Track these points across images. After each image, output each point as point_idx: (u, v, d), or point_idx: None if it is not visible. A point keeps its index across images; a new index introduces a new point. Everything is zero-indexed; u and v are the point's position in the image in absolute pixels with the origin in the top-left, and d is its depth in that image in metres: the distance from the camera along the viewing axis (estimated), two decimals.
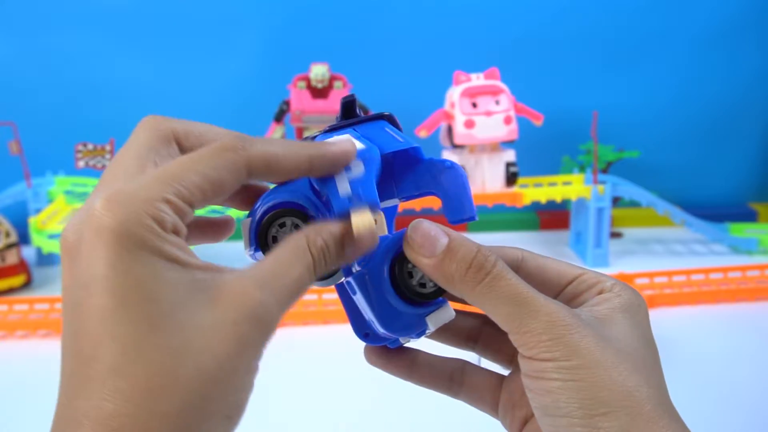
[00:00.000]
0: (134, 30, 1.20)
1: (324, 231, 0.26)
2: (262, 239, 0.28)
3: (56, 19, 1.19)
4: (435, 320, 0.30)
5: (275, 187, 0.29)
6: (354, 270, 0.30)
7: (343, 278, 0.30)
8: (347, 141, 0.28)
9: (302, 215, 0.28)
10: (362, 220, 0.27)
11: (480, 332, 0.33)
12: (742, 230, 1.13)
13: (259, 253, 0.28)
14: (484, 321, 0.33)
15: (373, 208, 0.27)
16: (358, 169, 0.28)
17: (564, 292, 0.30)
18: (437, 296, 0.29)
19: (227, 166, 0.24)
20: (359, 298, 0.31)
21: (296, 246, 0.25)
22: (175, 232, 0.22)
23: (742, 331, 0.80)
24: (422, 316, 0.29)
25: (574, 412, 0.25)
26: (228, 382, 0.21)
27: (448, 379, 0.32)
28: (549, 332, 0.25)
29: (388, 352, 0.32)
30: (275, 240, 0.28)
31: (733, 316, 0.84)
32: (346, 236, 0.26)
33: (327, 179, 0.28)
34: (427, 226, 0.28)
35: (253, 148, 0.25)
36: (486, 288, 0.27)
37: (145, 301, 0.21)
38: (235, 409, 0.22)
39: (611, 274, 0.31)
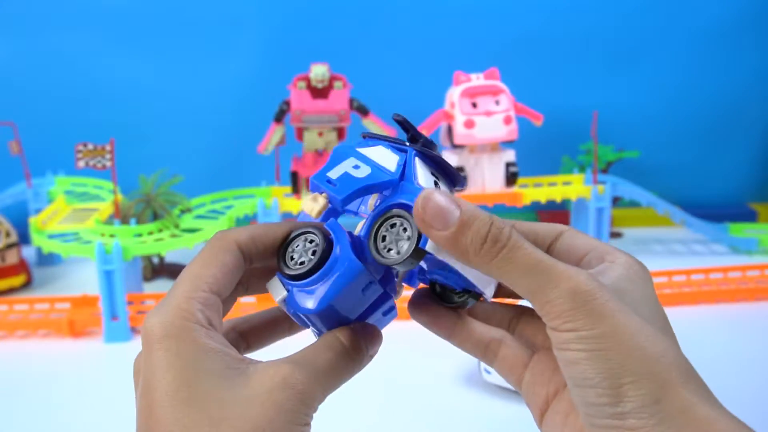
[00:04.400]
0: (134, 30, 1.20)
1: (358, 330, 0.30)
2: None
3: (56, 20, 1.19)
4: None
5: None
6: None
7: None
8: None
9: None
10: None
11: (518, 321, 0.33)
12: (742, 230, 1.13)
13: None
14: (521, 311, 0.33)
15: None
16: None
17: (579, 265, 0.30)
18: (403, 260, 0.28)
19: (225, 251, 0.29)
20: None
21: (328, 336, 0.29)
22: (211, 324, 0.27)
23: (742, 331, 0.80)
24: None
25: (602, 383, 0.24)
26: None
27: (485, 347, 0.32)
28: (570, 301, 0.25)
29: (435, 311, 0.32)
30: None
31: (733, 316, 0.84)
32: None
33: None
34: (438, 197, 0.27)
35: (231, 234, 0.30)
36: (502, 261, 0.26)
37: (184, 386, 0.25)
38: None
39: None
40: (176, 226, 0.93)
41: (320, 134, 1.00)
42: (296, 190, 1.02)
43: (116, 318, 0.82)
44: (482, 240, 0.26)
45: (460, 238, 0.26)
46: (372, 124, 1.02)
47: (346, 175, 0.29)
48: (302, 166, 1.01)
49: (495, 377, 0.65)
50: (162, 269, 1.05)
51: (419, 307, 0.32)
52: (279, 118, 1.01)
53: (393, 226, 0.28)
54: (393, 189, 0.29)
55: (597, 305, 0.25)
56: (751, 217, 1.25)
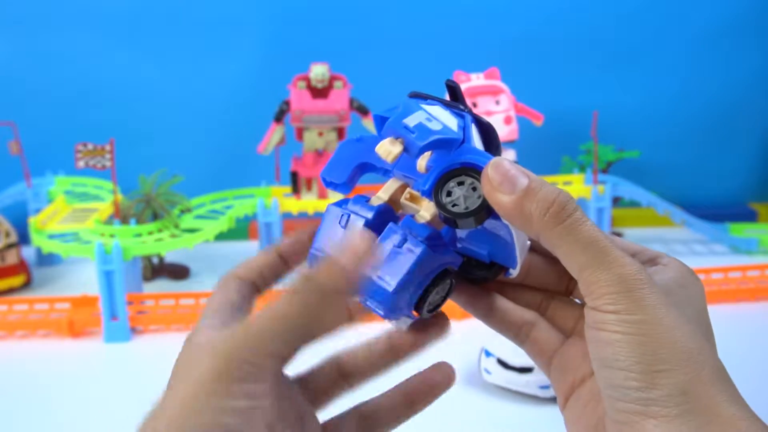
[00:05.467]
0: (134, 30, 1.20)
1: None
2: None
3: (56, 19, 1.19)
4: None
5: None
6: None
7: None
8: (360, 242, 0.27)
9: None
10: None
11: (548, 305, 0.33)
12: (742, 230, 1.13)
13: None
14: (551, 295, 0.34)
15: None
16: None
17: None
18: (468, 216, 0.29)
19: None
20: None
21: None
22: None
23: (742, 331, 0.80)
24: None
25: (633, 366, 0.25)
26: (196, 416, 0.24)
27: (518, 329, 0.33)
28: (618, 285, 0.25)
29: (472, 292, 0.33)
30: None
31: (733, 316, 0.84)
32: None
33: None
34: (508, 164, 0.27)
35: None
36: (565, 230, 0.26)
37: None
38: None
39: None
40: (176, 226, 0.93)
41: (320, 134, 1.00)
42: (296, 190, 1.02)
43: (116, 318, 0.82)
44: (549, 205, 0.26)
45: (525, 203, 0.27)
46: (372, 124, 1.02)
47: (422, 126, 0.30)
48: (302, 166, 1.01)
49: (495, 377, 0.65)
50: (162, 269, 1.05)
51: (462, 293, 0.33)
52: (279, 118, 1.01)
53: (461, 183, 0.29)
54: (455, 149, 0.30)
55: (642, 294, 0.25)
56: (751, 217, 1.25)
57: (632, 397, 0.25)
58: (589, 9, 1.24)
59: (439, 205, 0.29)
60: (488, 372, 0.66)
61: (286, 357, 0.26)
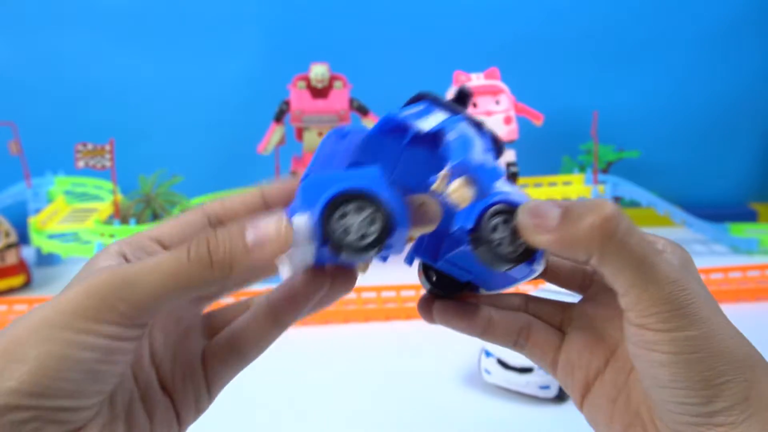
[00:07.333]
0: (134, 30, 1.20)
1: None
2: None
3: (56, 19, 1.19)
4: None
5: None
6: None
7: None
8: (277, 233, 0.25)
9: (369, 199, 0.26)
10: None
11: (527, 305, 0.33)
12: (742, 230, 1.13)
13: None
14: (527, 297, 0.33)
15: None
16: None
17: None
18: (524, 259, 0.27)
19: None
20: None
21: None
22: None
23: (743, 331, 0.80)
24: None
25: (694, 385, 0.25)
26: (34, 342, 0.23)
27: (516, 335, 0.32)
28: (670, 303, 0.25)
29: (461, 313, 0.31)
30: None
31: (733, 316, 0.84)
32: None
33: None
34: (536, 203, 0.26)
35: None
36: (617, 247, 0.25)
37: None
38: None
39: None
40: None
41: (320, 134, 1.00)
42: None
43: None
44: (593, 219, 0.25)
45: (568, 229, 0.25)
46: (372, 124, 1.02)
47: (485, 166, 0.28)
48: (302, 166, 1.01)
49: (495, 377, 0.65)
50: None
51: (455, 313, 0.31)
52: (279, 117, 1.01)
53: (506, 221, 0.27)
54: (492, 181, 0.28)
55: (693, 309, 0.25)
56: (751, 217, 1.25)
57: (696, 411, 0.25)
58: (589, 9, 1.24)
59: (483, 240, 0.27)
60: (488, 372, 0.66)
61: (162, 311, 0.25)
